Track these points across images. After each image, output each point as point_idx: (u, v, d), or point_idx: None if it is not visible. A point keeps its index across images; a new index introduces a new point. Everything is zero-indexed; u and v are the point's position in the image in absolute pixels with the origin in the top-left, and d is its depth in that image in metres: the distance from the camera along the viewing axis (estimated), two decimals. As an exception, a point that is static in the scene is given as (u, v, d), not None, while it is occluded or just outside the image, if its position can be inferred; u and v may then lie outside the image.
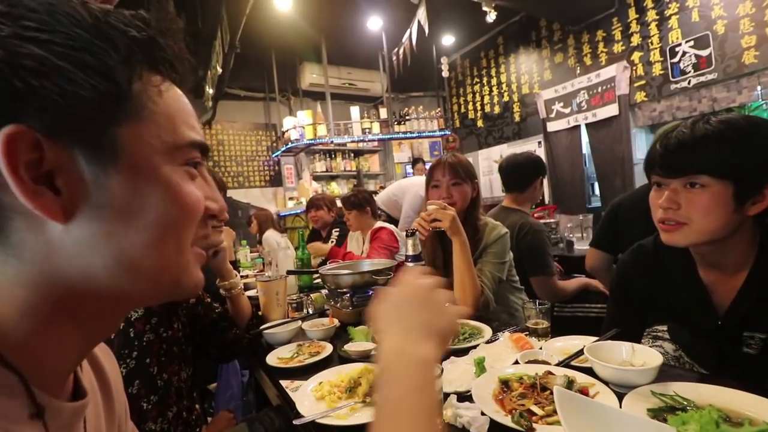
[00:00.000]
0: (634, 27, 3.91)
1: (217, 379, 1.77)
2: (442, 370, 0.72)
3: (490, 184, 5.53)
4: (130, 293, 0.33)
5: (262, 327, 1.27)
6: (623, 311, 1.05)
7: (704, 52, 3.43)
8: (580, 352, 0.84)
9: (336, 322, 1.28)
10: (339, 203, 3.23)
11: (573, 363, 0.84)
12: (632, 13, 3.91)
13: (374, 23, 4.19)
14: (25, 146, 0.27)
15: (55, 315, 0.30)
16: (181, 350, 1.03)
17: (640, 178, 4.01)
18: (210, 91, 4.61)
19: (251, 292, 1.82)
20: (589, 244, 1.80)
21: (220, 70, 3.90)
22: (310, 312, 1.48)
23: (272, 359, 1.08)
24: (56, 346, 0.32)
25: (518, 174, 2.02)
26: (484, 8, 3.82)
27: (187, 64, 0.35)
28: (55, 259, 0.29)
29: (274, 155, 5.80)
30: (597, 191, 4.61)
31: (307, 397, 0.84)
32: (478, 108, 5.82)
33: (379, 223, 2.51)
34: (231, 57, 3.80)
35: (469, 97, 5.95)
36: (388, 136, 4.95)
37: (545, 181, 2.05)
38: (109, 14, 0.30)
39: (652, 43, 3.79)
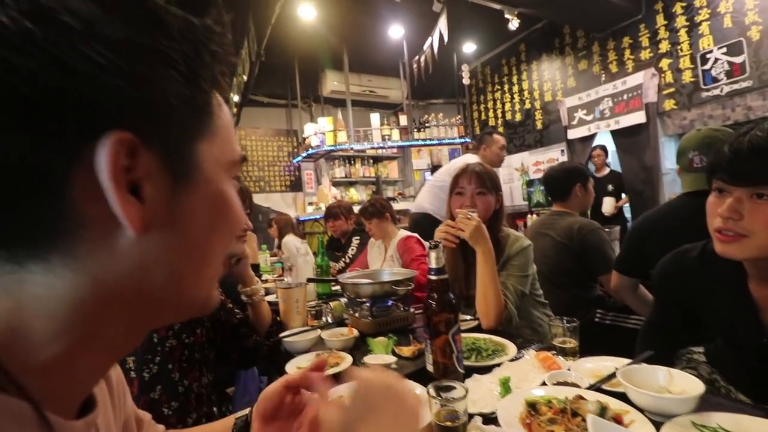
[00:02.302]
0: (663, 33, 3.80)
1: (236, 383, 1.78)
2: (467, 390, 0.69)
3: (511, 193, 5.45)
4: (169, 308, 0.33)
5: (281, 335, 1.27)
6: (664, 311, 1.03)
7: (738, 59, 3.31)
8: (613, 376, 0.80)
9: (355, 332, 1.27)
10: (356, 210, 3.23)
11: (605, 387, 0.80)
12: (660, 20, 3.81)
13: (396, 31, 4.21)
14: (123, 152, 0.26)
15: (90, 335, 0.29)
16: (203, 355, 1.04)
17: (669, 188, 3.88)
18: (235, 98, 4.72)
19: (271, 297, 1.84)
20: (613, 267, 1.73)
21: (245, 78, 3.99)
22: (329, 321, 1.47)
23: (292, 368, 1.07)
24: (81, 367, 0.30)
25: (555, 185, 2.07)
26: (507, 16, 3.79)
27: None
28: (116, 272, 0.28)
29: (294, 161, 5.88)
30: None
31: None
32: (499, 115, 5.76)
33: (403, 233, 2.49)
34: (256, 65, 3.89)
35: (490, 105, 5.90)
36: (408, 143, 4.94)
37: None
38: (194, 24, 0.30)
39: (681, 50, 3.67)
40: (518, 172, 5.49)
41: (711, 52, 3.47)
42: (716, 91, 3.46)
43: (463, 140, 5.08)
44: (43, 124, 0.24)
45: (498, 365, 0.95)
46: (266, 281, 2.30)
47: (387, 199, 3.35)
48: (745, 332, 0.89)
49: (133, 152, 0.27)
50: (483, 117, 6.04)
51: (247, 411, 0.57)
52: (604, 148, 4.43)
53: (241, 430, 0.56)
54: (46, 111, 0.24)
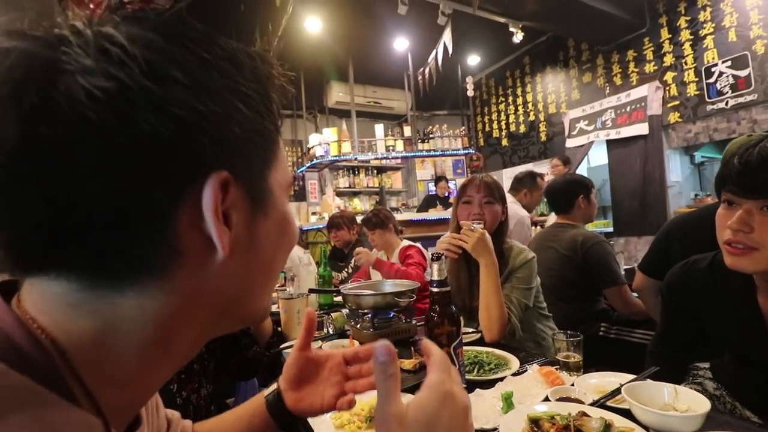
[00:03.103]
0: (667, 47, 3.82)
1: (235, 394, 1.76)
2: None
3: (515, 204, 5.44)
4: (233, 320, 0.35)
5: (282, 346, 1.26)
6: (672, 321, 1.02)
7: (743, 73, 3.31)
8: (617, 392, 0.79)
9: (356, 344, 1.26)
10: (359, 220, 3.23)
11: (609, 403, 0.79)
12: (665, 33, 3.83)
13: (400, 44, 4.27)
14: (219, 188, 0.28)
15: (167, 349, 0.31)
16: (202, 366, 1.03)
17: (675, 201, 3.85)
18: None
19: (272, 308, 1.83)
20: (637, 267, 1.72)
21: (250, 89, 4.04)
22: (331, 332, 1.46)
23: (291, 380, 1.06)
24: (151, 380, 0.32)
25: (558, 197, 2.06)
26: (511, 29, 3.83)
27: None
28: (202, 291, 0.30)
29: (299, 170, 5.91)
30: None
31: (326, 425, 0.81)
32: (503, 127, 5.78)
33: (406, 242, 2.50)
34: (261, 76, 3.94)
35: (494, 116, 5.93)
36: (412, 154, 4.97)
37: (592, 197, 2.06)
38: (256, 60, 0.33)
39: (686, 63, 3.68)
40: (522, 184, 5.48)
41: (716, 65, 3.47)
42: (721, 105, 3.46)
43: (467, 151, 5.09)
44: (158, 168, 0.26)
45: (500, 379, 0.93)
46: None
47: (390, 209, 3.35)
48: (753, 346, 0.88)
49: (228, 187, 0.29)
50: (487, 128, 6.06)
51: (274, 385, 0.58)
52: (565, 159, 4.29)
53: (274, 404, 0.57)
54: (160, 157, 0.26)
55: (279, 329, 1.44)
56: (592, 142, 4.39)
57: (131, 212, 0.26)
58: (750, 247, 0.77)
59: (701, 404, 0.69)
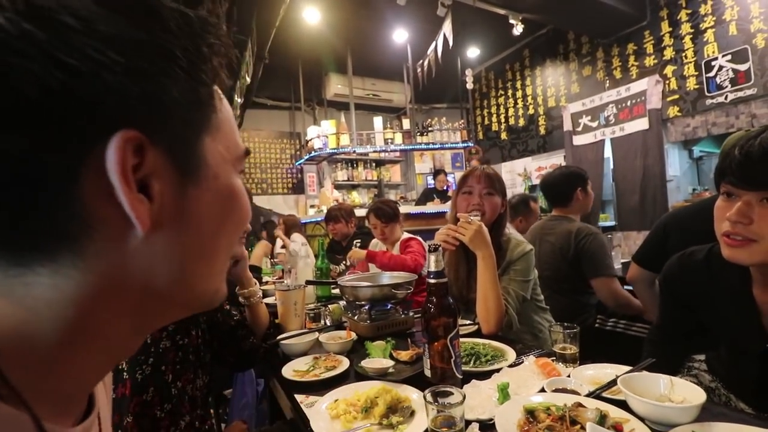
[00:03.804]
0: (667, 40, 3.80)
1: (232, 386, 1.77)
2: (464, 396, 0.68)
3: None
4: (178, 304, 0.33)
5: (279, 337, 1.26)
6: (669, 311, 1.04)
7: (743, 67, 3.29)
8: (613, 383, 0.79)
9: (353, 335, 1.26)
10: (360, 213, 3.21)
11: (605, 394, 0.79)
12: (665, 26, 3.80)
13: (400, 36, 4.23)
14: (131, 150, 0.26)
15: (95, 334, 0.29)
16: (198, 357, 1.03)
17: (673, 195, 3.85)
18: (238, 100, 4.74)
19: (269, 299, 1.83)
20: (632, 258, 1.72)
21: (248, 80, 4.01)
22: (328, 324, 1.46)
23: (288, 371, 1.06)
24: (85, 368, 0.30)
25: (555, 191, 2.04)
26: (511, 21, 3.79)
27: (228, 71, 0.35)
28: (125, 270, 0.28)
29: (297, 163, 5.89)
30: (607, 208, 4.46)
31: (322, 415, 0.81)
32: (502, 120, 5.76)
33: (407, 234, 2.47)
34: (260, 68, 3.91)
35: (493, 110, 5.90)
36: (411, 147, 4.95)
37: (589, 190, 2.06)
38: (190, 17, 0.30)
39: (686, 57, 3.67)
40: (521, 178, 5.48)
41: (716, 59, 3.46)
42: (720, 99, 3.45)
43: (465, 144, 5.07)
44: (47, 126, 0.24)
45: (497, 371, 0.94)
46: (266, 283, 2.29)
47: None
48: (747, 337, 0.88)
49: (141, 150, 0.26)
50: (486, 122, 6.03)
51: None
52: (486, 160, 4.28)
53: None
54: (49, 112, 0.24)
55: (276, 321, 1.44)
56: (602, 140, 4.36)
57: (19, 177, 0.24)
58: (748, 238, 0.77)
59: (697, 395, 0.70)
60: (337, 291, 1.88)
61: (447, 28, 3.45)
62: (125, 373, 0.87)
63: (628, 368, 0.86)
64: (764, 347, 0.85)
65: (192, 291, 0.32)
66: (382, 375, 0.97)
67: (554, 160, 5.01)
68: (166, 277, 0.30)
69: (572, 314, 1.84)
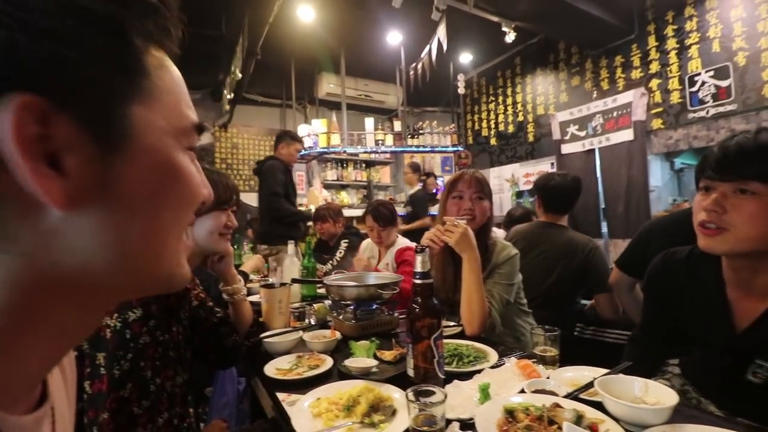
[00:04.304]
0: (654, 54, 3.90)
1: (213, 384, 1.74)
2: (446, 395, 0.69)
3: (500, 203, 5.49)
4: (124, 287, 0.31)
5: (262, 335, 1.25)
6: (652, 308, 1.09)
7: (724, 83, 3.40)
8: (590, 385, 0.81)
9: (338, 335, 1.26)
10: (349, 213, 3.20)
11: (582, 396, 0.81)
12: (652, 41, 3.90)
13: (394, 38, 4.24)
14: (31, 119, 0.23)
15: (36, 320, 0.27)
16: (178, 354, 1.01)
17: (655, 205, 3.95)
18: (228, 95, 4.69)
19: (254, 297, 1.81)
20: (615, 262, 1.76)
21: (239, 75, 3.97)
22: (312, 323, 1.45)
23: (270, 370, 1.06)
24: (30, 355, 0.28)
25: (566, 197, 1.96)
26: (504, 28, 3.84)
27: (181, 37, 0.32)
28: (52, 252, 0.26)
29: (286, 161, 5.84)
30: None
31: (304, 414, 0.81)
32: (492, 126, 5.82)
33: (403, 241, 2.39)
34: (251, 63, 3.87)
35: (484, 115, 5.96)
36: (401, 149, 4.96)
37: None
38: None
39: (671, 71, 3.77)
40: (509, 183, 5.55)
41: (699, 74, 3.56)
42: (702, 113, 3.55)
43: (455, 148, 5.11)
44: None
45: (479, 371, 0.95)
46: (251, 281, 2.27)
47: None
48: (718, 334, 0.93)
49: (46, 119, 0.24)
50: (476, 127, 6.09)
51: None
52: (417, 166, 4.25)
53: None
54: None
55: (260, 319, 1.43)
56: (592, 149, 4.44)
57: None
58: (721, 227, 0.83)
59: (669, 398, 0.72)
60: (323, 290, 1.88)
61: (441, 32, 3.47)
62: (103, 368, 0.85)
63: (605, 371, 0.88)
64: (730, 342, 0.90)
65: (138, 274, 0.30)
66: (365, 374, 0.97)
67: (542, 167, 5.08)
68: (101, 259, 0.27)
69: (559, 323, 1.84)
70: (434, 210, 4.47)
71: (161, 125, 0.29)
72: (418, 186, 4.59)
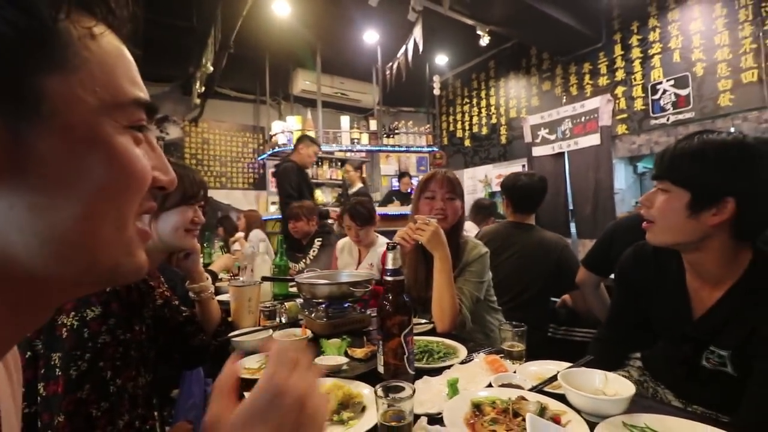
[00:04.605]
0: (619, 63, 4.07)
1: (179, 386, 1.69)
2: (414, 390, 0.69)
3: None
4: (60, 278, 0.28)
5: (230, 334, 1.22)
6: (622, 300, 1.15)
7: (683, 92, 3.59)
8: (554, 378, 0.83)
9: (309, 333, 1.24)
10: (339, 211, 3.16)
11: (546, 389, 0.83)
12: (618, 49, 4.08)
13: (370, 37, 4.24)
14: None
15: None
16: (141, 354, 0.97)
17: (619, 207, 4.12)
18: (199, 89, 4.54)
19: (223, 296, 1.76)
20: (581, 262, 1.82)
21: (211, 69, 3.86)
22: (283, 321, 1.43)
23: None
24: None
25: (533, 196, 1.99)
26: (479, 32, 3.92)
27: (126, 6, 0.30)
28: None
29: (259, 158, 5.73)
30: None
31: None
32: (467, 128, 5.92)
33: (383, 240, 2.35)
34: (224, 57, 3.77)
35: (459, 117, 6.05)
36: (377, 148, 4.96)
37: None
38: None
39: (635, 79, 3.95)
40: (482, 184, 5.66)
41: (660, 83, 3.75)
42: (663, 120, 3.74)
43: (431, 149, 5.16)
44: None
45: (448, 367, 0.96)
46: (221, 280, 2.21)
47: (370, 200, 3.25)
48: (674, 318, 0.99)
49: None
50: (451, 128, 6.18)
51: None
52: (357, 162, 4.23)
53: None
54: None
55: (228, 318, 1.39)
56: (562, 152, 4.58)
57: None
58: (649, 221, 0.94)
59: (627, 389, 0.75)
60: (295, 289, 1.85)
61: (417, 33, 3.50)
62: (58, 370, 0.81)
63: (569, 365, 0.91)
64: (687, 329, 0.95)
65: (72, 264, 0.27)
66: (335, 372, 0.97)
67: (514, 168, 5.21)
68: (22, 246, 0.25)
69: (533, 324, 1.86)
70: (406, 209, 4.49)
71: (87, 100, 0.27)
72: (359, 185, 4.47)
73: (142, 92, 0.31)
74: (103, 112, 0.28)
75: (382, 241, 2.38)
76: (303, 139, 3.57)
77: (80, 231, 0.27)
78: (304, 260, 2.76)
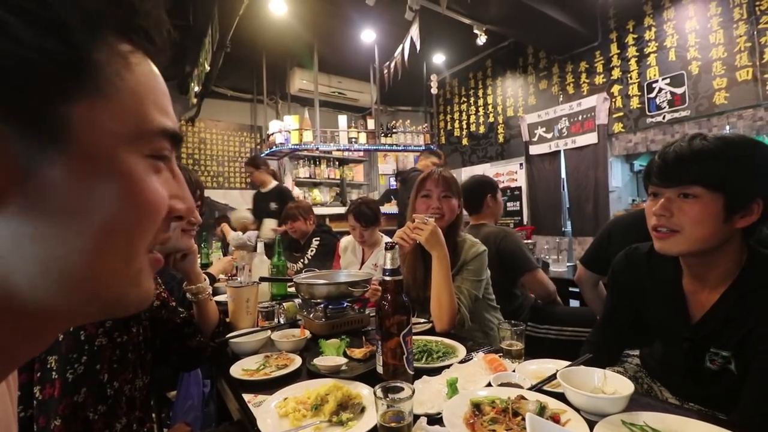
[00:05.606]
0: (615, 61, 4.08)
1: (177, 387, 1.68)
2: (413, 391, 0.69)
3: (472, 202, 5.60)
4: (61, 309, 0.27)
5: (228, 335, 1.22)
6: (615, 304, 1.14)
7: (679, 90, 3.61)
8: (553, 377, 0.83)
9: (307, 333, 1.24)
10: (321, 212, 3.16)
11: (545, 387, 0.83)
12: (614, 48, 4.08)
13: (367, 36, 4.23)
14: None
15: None
16: (138, 356, 0.96)
17: (614, 205, 4.14)
18: (196, 88, 4.52)
19: (221, 297, 1.76)
20: (579, 260, 1.84)
21: (208, 68, 3.84)
22: (281, 322, 1.43)
23: (236, 370, 1.03)
24: None
25: (468, 197, 2.06)
26: (475, 31, 3.91)
27: (165, 34, 0.29)
28: None
29: (257, 158, 5.70)
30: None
31: (270, 414, 0.79)
32: (464, 126, 5.92)
33: (389, 240, 2.39)
34: (220, 56, 3.75)
35: (456, 115, 6.05)
36: (374, 147, 4.96)
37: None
38: None
39: (631, 78, 3.96)
40: (479, 183, 5.65)
41: (656, 82, 3.76)
42: (659, 118, 3.75)
43: (428, 148, 5.15)
44: None
45: (447, 367, 0.96)
46: (218, 280, 2.21)
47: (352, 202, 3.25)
48: (675, 325, 0.98)
49: None
50: (449, 127, 6.18)
51: None
52: (254, 160, 3.96)
53: None
54: None
55: (226, 319, 1.39)
56: (558, 151, 4.59)
57: None
58: (672, 230, 0.89)
59: (626, 387, 0.75)
60: (293, 289, 1.85)
61: (414, 32, 3.49)
62: (54, 373, 0.80)
63: (568, 363, 0.91)
64: (686, 333, 0.95)
65: (76, 297, 0.26)
66: (334, 372, 0.97)
67: (511, 167, 5.22)
68: (23, 274, 0.24)
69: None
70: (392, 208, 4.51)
71: (113, 129, 0.26)
72: (273, 184, 4.04)
73: (171, 121, 0.30)
74: (125, 141, 0.27)
75: (387, 240, 2.38)
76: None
77: (86, 263, 0.26)
78: (302, 260, 2.76)
